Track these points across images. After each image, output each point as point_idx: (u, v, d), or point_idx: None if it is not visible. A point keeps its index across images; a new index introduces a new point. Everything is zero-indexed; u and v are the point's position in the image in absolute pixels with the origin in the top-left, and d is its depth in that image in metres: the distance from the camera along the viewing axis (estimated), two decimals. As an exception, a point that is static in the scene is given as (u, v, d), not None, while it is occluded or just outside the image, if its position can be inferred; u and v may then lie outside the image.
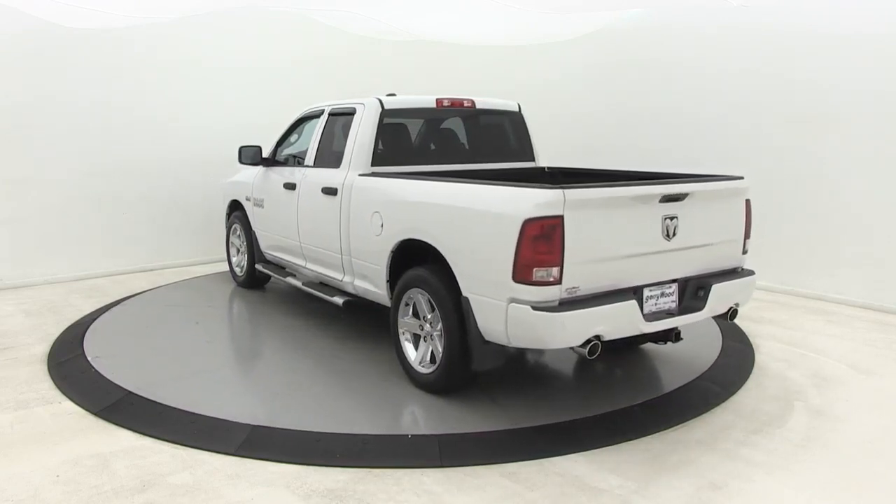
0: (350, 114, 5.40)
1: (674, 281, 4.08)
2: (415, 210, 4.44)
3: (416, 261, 4.41)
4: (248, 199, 6.92)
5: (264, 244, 6.74)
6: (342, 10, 8.76)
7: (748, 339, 5.63)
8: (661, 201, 3.90)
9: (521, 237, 3.55)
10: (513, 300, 3.64)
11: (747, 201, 4.47)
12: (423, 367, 4.39)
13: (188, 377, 4.68)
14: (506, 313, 3.67)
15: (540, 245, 3.53)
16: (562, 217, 3.53)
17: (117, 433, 3.86)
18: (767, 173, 7.46)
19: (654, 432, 3.88)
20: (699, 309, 4.15)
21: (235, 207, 7.29)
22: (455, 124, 5.82)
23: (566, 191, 3.54)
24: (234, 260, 7.48)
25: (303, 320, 6.08)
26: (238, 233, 7.28)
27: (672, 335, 4.51)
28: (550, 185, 3.62)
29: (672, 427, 3.96)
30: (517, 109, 5.89)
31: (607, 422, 4.03)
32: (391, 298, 4.66)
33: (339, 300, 5.31)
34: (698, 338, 5.57)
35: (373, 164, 5.11)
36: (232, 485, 3.28)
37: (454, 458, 3.55)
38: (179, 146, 8.53)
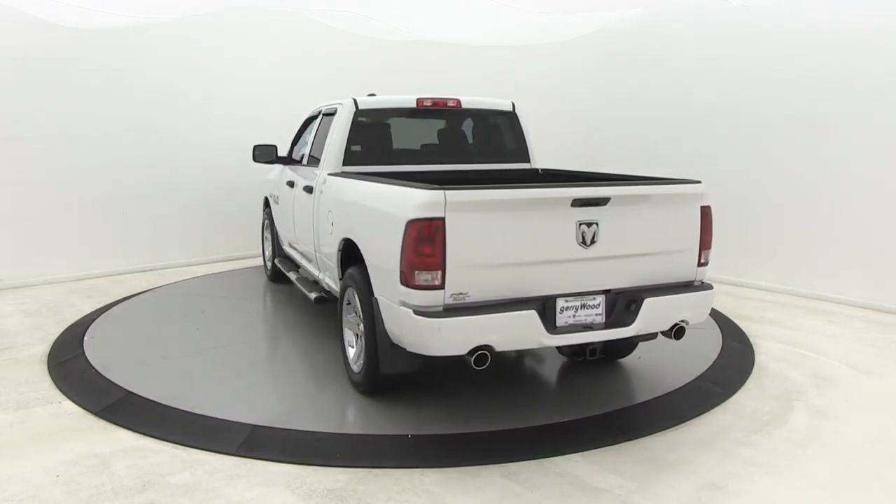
0: (333, 114, 5.46)
1: (601, 292, 3.80)
2: (347, 209, 4.50)
3: (355, 260, 4.34)
4: (270, 196, 7.25)
5: (281, 240, 6.96)
6: (342, 11, 8.77)
7: (748, 339, 5.63)
8: (573, 206, 3.62)
9: (405, 238, 3.43)
10: (402, 303, 3.54)
11: (705, 208, 4.04)
12: (356, 365, 4.36)
13: (188, 377, 4.68)
14: (398, 316, 3.59)
15: (422, 247, 3.39)
16: (443, 219, 3.38)
17: (117, 433, 3.86)
18: (767, 173, 7.47)
19: (654, 432, 3.88)
20: (627, 324, 3.80)
21: (267, 204, 7.58)
22: (443, 125, 5.73)
23: (447, 192, 3.40)
24: (266, 255, 7.78)
25: (316, 319, 6.09)
26: (266, 229, 7.65)
27: (586, 351, 4.10)
28: (435, 186, 3.46)
29: (672, 427, 3.96)
30: (511, 109, 5.69)
31: (607, 422, 4.03)
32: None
33: (313, 296, 5.38)
34: (698, 338, 5.57)
35: (344, 164, 5.12)
36: (232, 485, 3.28)
37: (454, 458, 3.55)
38: (179, 146, 8.52)
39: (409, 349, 3.64)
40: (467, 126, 5.73)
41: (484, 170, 5.52)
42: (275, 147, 6.42)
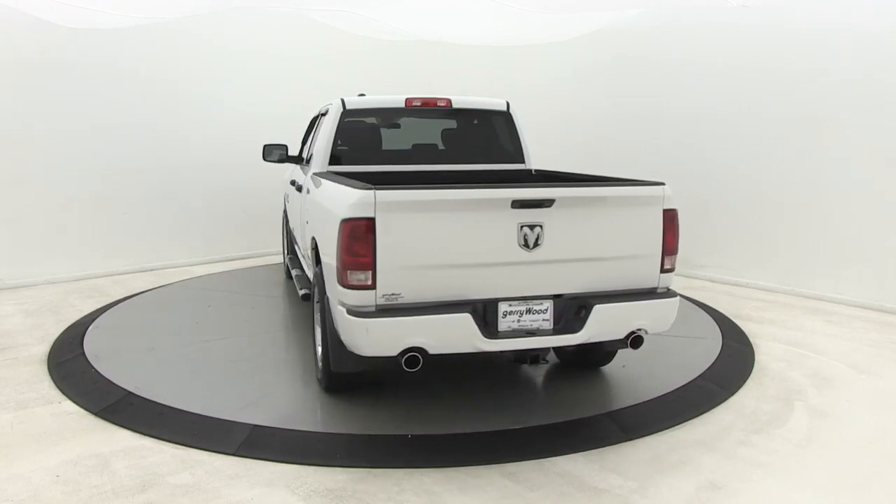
0: (326, 114, 5.48)
1: (549, 297, 3.68)
2: (312, 209, 4.54)
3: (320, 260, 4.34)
4: (284, 195, 7.40)
5: (292, 238, 7.05)
6: (342, 10, 8.77)
7: (748, 339, 5.63)
8: (514, 207, 3.50)
9: (339, 238, 3.42)
10: (340, 302, 3.53)
11: (669, 211, 3.83)
12: (320, 363, 4.37)
13: (188, 377, 4.68)
14: (337, 316, 3.59)
15: (355, 247, 3.37)
16: (373, 219, 3.34)
17: (117, 433, 3.85)
18: (767, 173, 7.47)
19: (654, 432, 3.88)
20: (575, 331, 3.65)
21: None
22: (434, 125, 5.69)
23: (377, 192, 3.36)
24: (285, 251, 7.88)
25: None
26: (284, 226, 7.74)
27: (528, 357, 3.89)
28: (369, 186, 3.42)
29: (672, 427, 3.96)
30: (505, 109, 5.55)
31: (607, 422, 4.02)
32: None
33: (301, 293, 5.39)
34: (698, 338, 5.57)
35: (330, 164, 5.13)
36: (232, 485, 3.28)
37: (454, 458, 3.55)
38: (179, 146, 8.52)
39: (352, 350, 3.60)
40: (459, 126, 5.67)
41: (475, 170, 5.44)
42: (285, 146, 6.41)
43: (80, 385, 4.56)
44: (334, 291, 3.61)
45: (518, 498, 3.19)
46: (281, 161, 6.53)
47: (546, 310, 3.67)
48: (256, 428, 3.85)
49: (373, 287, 3.40)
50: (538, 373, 4.90)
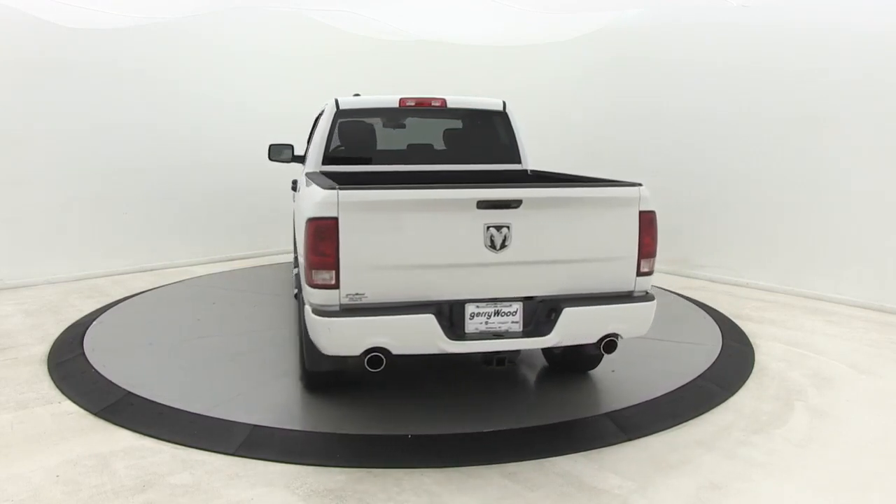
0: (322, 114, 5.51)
1: (519, 299, 3.62)
2: (297, 208, 4.58)
3: None
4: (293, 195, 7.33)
5: None
6: (342, 11, 8.77)
7: (748, 339, 5.63)
8: (480, 207, 3.45)
9: (306, 237, 3.44)
10: (308, 301, 3.55)
11: (646, 213, 3.72)
12: (300, 363, 4.40)
13: (188, 377, 4.68)
14: (306, 315, 3.59)
15: (320, 246, 3.37)
16: (336, 218, 3.35)
17: (117, 433, 3.85)
18: (768, 172, 7.47)
19: (654, 432, 3.88)
20: (544, 334, 3.60)
21: None
22: (430, 124, 5.66)
23: (340, 191, 3.36)
24: None
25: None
26: None
27: (493, 359, 3.73)
28: (333, 185, 3.43)
29: (672, 427, 3.95)
30: (501, 108, 5.46)
31: (607, 421, 4.02)
32: None
33: (294, 291, 5.42)
34: (698, 338, 5.57)
35: (324, 164, 5.14)
36: (232, 485, 3.28)
37: (454, 458, 3.55)
38: (179, 146, 8.52)
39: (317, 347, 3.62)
40: (455, 126, 5.65)
41: (469, 170, 5.40)
42: (291, 146, 6.40)
43: (80, 385, 4.55)
44: (305, 290, 3.63)
45: (518, 498, 3.19)
46: (287, 161, 6.53)
47: (515, 312, 3.62)
48: (256, 428, 3.85)
49: (336, 287, 3.40)
50: (537, 373, 4.90)
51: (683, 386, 4.55)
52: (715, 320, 6.10)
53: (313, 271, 3.40)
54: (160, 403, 4.18)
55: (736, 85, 7.70)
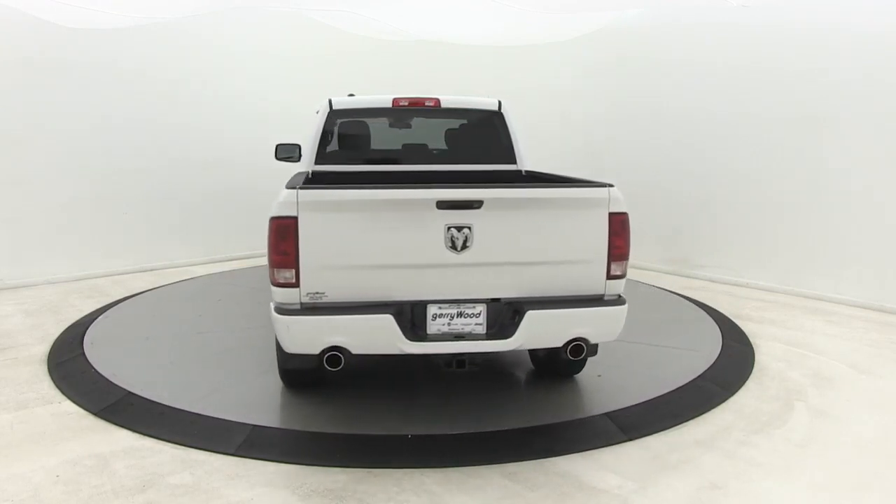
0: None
1: (483, 301, 3.58)
2: None
3: None
4: None
5: None
6: (342, 11, 8.77)
7: (748, 339, 5.63)
8: (440, 208, 3.43)
9: (269, 236, 3.47)
10: (272, 300, 3.58)
11: (617, 215, 3.62)
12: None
13: (188, 377, 4.68)
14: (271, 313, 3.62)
15: (281, 245, 3.42)
16: (296, 218, 3.37)
17: (117, 433, 3.85)
18: (767, 173, 7.47)
19: (654, 432, 3.88)
20: (506, 337, 3.55)
21: None
22: (425, 124, 5.63)
23: (300, 191, 3.39)
24: None
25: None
26: None
27: (454, 361, 3.67)
28: (295, 185, 3.46)
29: (672, 427, 3.95)
30: (497, 108, 5.38)
31: (607, 421, 4.02)
32: None
33: None
34: (698, 338, 5.57)
35: (316, 164, 5.15)
36: (232, 485, 3.28)
37: (454, 458, 3.55)
38: (180, 146, 8.53)
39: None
40: (450, 126, 5.60)
41: (463, 171, 5.34)
42: (298, 146, 6.38)
43: (80, 385, 4.55)
44: (271, 289, 3.65)
45: (518, 498, 3.19)
46: (295, 161, 6.49)
47: (479, 314, 3.58)
48: (256, 428, 3.85)
49: (297, 285, 3.43)
50: (537, 373, 4.89)
51: (683, 386, 4.55)
52: (715, 320, 6.11)
53: (275, 270, 3.45)
54: (160, 403, 4.17)
55: (736, 85, 7.70)
